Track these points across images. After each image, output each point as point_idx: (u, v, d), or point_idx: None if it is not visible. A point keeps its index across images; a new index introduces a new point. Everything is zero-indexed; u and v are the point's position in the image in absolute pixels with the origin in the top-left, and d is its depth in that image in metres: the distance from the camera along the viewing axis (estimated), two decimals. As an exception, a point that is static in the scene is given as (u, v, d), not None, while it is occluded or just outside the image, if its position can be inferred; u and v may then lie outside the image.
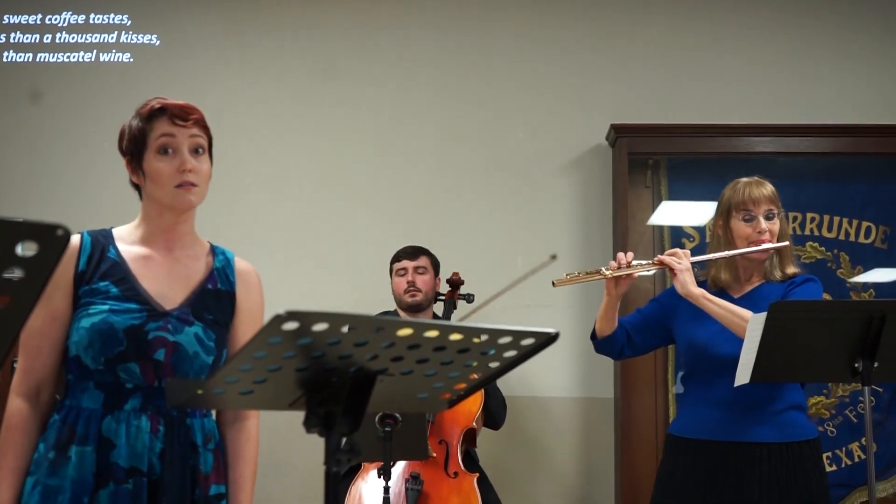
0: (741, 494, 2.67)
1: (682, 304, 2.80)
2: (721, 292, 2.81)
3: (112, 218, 2.16)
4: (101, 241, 2.04)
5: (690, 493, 2.73)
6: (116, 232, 2.09)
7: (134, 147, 2.04)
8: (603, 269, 2.76)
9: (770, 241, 2.76)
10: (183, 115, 2.02)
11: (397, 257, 3.95)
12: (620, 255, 2.79)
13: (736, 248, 2.78)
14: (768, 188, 2.81)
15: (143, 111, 2.04)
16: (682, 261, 2.73)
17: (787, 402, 2.73)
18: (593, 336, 2.92)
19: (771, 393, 2.70)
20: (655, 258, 2.81)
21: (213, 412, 2.12)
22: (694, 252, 2.97)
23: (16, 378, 1.99)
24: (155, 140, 2.01)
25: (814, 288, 2.78)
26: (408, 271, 3.87)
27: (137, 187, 2.09)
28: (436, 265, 3.96)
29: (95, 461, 1.91)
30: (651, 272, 2.82)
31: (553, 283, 2.73)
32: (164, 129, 2.01)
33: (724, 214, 2.83)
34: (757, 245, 2.75)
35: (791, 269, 2.82)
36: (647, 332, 2.94)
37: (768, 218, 2.78)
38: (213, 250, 2.15)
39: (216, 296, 2.08)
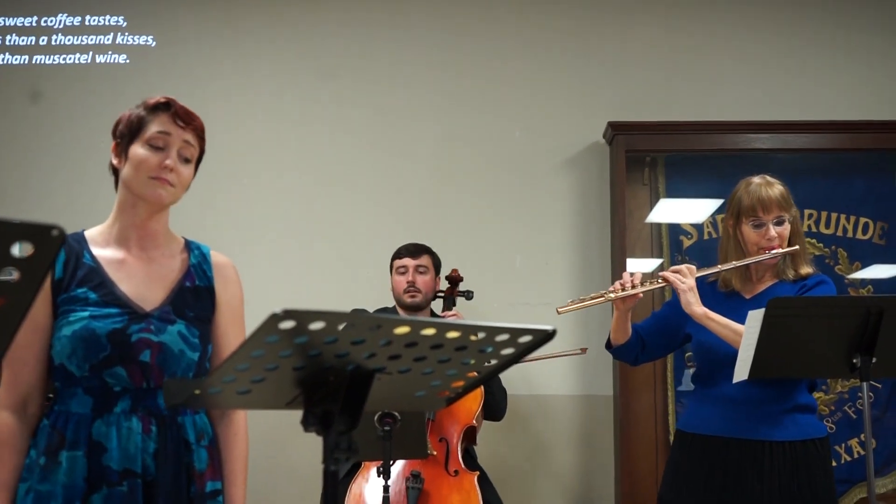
0: (744, 491, 2.67)
1: None
2: (733, 293, 2.82)
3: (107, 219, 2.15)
4: (75, 247, 2.02)
5: (695, 488, 2.74)
6: (89, 234, 2.07)
7: (127, 132, 2.04)
8: (607, 292, 2.76)
9: (779, 247, 2.75)
10: (186, 118, 2.04)
11: (398, 254, 3.90)
12: (626, 275, 2.79)
13: (746, 251, 2.78)
14: (777, 190, 2.77)
15: (150, 102, 2.05)
16: (685, 279, 2.72)
17: (795, 402, 2.73)
18: (608, 345, 2.94)
19: (778, 392, 2.70)
20: (660, 275, 2.79)
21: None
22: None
23: (1, 392, 1.96)
24: (150, 131, 2.01)
25: (826, 290, 2.76)
26: (408, 270, 3.83)
27: (115, 173, 2.07)
28: (437, 264, 3.93)
29: (87, 465, 1.90)
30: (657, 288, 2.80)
31: (557, 311, 2.73)
32: (163, 125, 2.02)
33: (734, 216, 2.82)
34: (766, 252, 2.75)
35: (805, 269, 2.80)
36: (661, 335, 2.95)
37: (778, 223, 2.76)
38: (188, 246, 2.14)
39: (195, 292, 2.08)
